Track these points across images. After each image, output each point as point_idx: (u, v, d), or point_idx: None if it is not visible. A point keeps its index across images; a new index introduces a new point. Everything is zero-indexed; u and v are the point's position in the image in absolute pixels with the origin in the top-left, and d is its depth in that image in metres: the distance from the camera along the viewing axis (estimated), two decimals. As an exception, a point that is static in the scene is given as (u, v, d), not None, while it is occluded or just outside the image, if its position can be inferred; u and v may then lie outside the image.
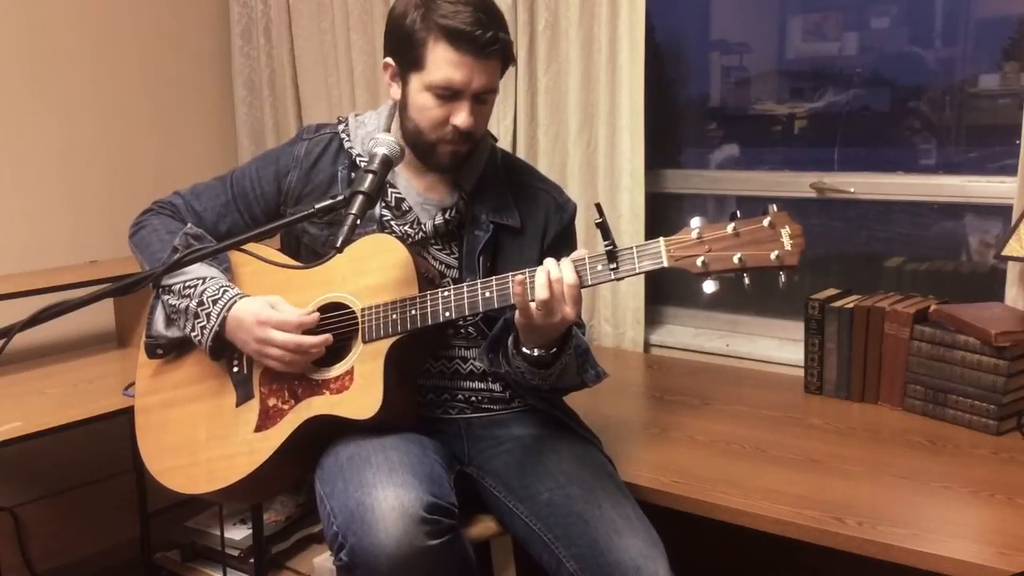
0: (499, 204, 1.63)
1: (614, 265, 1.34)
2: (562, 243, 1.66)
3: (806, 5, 2.51)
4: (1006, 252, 1.90)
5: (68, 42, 2.71)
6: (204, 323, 1.53)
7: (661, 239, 1.33)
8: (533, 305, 1.36)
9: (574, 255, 1.38)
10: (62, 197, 2.72)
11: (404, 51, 1.52)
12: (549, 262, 1.37)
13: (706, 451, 1.83)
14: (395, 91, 1.58)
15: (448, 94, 1.49)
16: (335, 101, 2.95)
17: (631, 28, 2.35)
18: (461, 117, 1.49)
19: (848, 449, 1.80)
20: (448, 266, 1.62)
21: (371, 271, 1.51)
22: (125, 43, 2.85)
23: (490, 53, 1.47)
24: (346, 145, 1.64)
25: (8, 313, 1.38)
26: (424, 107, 1.51)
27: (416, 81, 1.51)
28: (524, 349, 1.47)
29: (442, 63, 1.47)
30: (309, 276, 1.56)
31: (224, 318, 1.51)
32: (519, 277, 1.37)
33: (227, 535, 2.31)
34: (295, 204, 1.64)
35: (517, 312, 1.39)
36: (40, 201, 2.67)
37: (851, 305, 2.06)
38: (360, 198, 1.40)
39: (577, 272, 1.36)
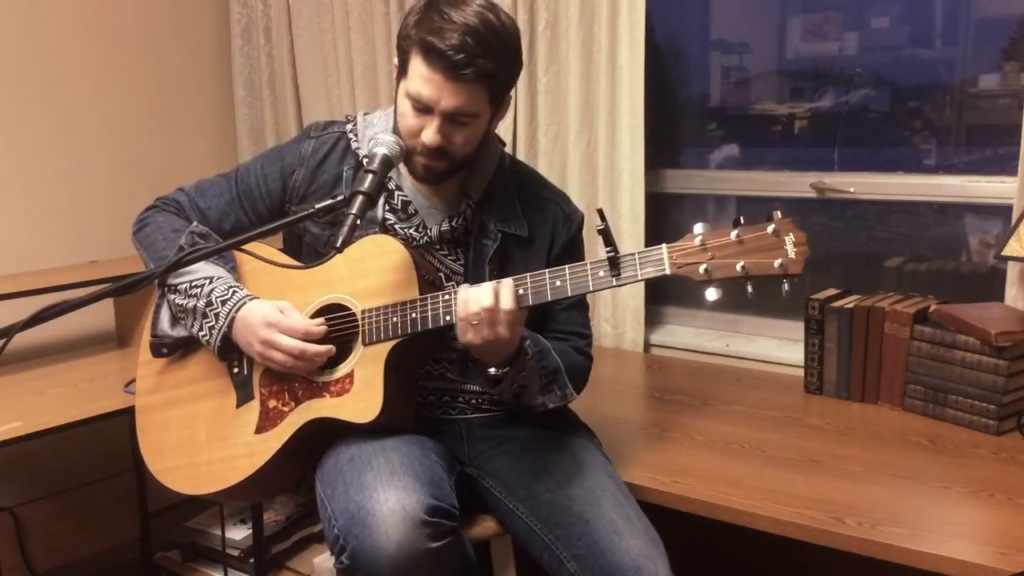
0: (507, 213, 1.63)
1: (616, 272, 1.33)
2: (569, 253, 1.66)
3: (806, 5, 2.50)
4: (1006, 252, 1.90)
5: (68, 42, 2.71)
6: (212, 323, 1.52)
7: (664, 246, 1.31)
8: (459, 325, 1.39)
9: (506, 281, 1.39)
10: (62, 197, 2.72)
11: (399, 54, 1.54)
12: (486, 284, 1.39)
13: (706, 451, 1.83)
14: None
15: (421, 107, 1.49)
16: (335, 101, 2.95)
17: (631, 28, 2.35)
18: (427, 133, 1.49)
19: (848, 449, 1.80)
20: (454, 272, 1.62)
21: (371, 272, 1.51)
22: (125, 43, 2.85)
23: (463, 77, 1.44)
24: (353, 145, 1.63)
25: (8, 313, 1.38)
26: (403, 113, 1.52)
27: (402, 85, 1.53)
28: (480, 365, 1.50)
29: (416, 75, 1.47)
30: (309, 276, 1.56)
31: (233, 319, 1.51)
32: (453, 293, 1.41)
33: (227, 535, 2.31)
34: (300, 202, 1.64)
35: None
36: (40, 201, 2.67)
37: (851, 305, 2.06)
38: (360, 198, 1.40)
39: (516, 295, 1.38)
